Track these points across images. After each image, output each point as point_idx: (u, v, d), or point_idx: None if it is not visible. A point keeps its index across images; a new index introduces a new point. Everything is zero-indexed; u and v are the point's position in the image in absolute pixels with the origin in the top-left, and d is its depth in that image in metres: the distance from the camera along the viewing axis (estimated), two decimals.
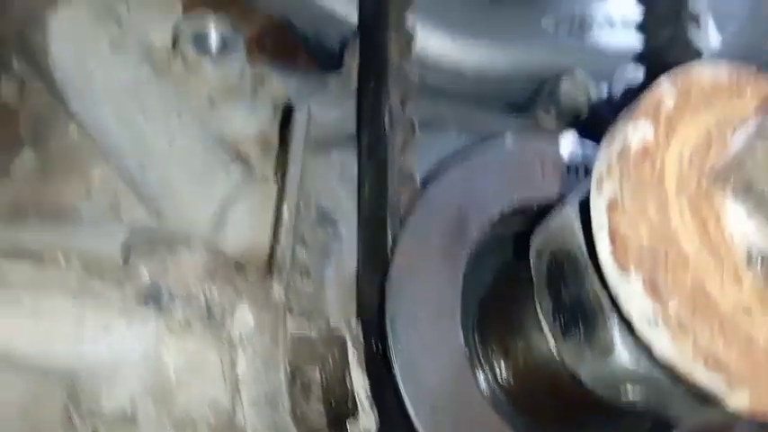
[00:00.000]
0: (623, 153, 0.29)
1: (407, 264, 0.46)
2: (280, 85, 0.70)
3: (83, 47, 0.59)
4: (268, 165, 0.62)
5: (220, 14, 0.68)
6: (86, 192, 0.60)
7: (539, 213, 0.49)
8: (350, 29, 0.76)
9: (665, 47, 0.70)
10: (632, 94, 0.73)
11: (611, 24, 0.80)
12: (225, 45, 0.63)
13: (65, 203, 0.59)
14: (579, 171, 0.51)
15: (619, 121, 0.31)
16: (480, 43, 0.76)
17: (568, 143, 0.52)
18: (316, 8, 0.77)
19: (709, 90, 0.31)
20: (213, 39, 0.63)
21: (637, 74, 0.77)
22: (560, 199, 0.47)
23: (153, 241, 0.49)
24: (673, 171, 0.29)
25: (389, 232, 0.49)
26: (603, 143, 0.31)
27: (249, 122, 0.62)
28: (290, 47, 0.80)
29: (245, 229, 0.57)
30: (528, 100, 0.76)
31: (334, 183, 0.63)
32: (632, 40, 0.80)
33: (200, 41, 0.62)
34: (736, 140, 0.28)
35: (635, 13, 0.80)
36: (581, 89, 0.73)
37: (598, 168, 0.30)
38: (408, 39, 0.55)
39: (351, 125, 0.68)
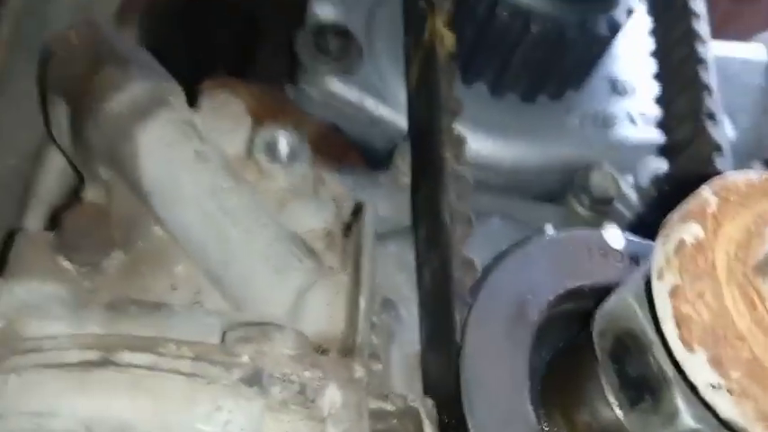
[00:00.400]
0: (679, 248, 0.35)
1: (478, 346, 0.51)
2: (337, 183, 0.77)
3: (170, 158, 0.67)
4: (334, 256, 0.69)
5: (286, 125, 0.76)
6: (171, 287, 0.67)
7: (589, 295, 0.56)
8: (396, 132, 0.84)
9: (686, 142, 0.78)
10: (659, 185, 0.81)
11: (632, 121, 0.88)
12: (293, 153, 0.71)
13: (153, 298, 0.65)
14: (624, 258, 0.57)
15: (669, 221, 0.38)
16: (514, 141, 0.84)
17: (612, 234, 0.58)
18: (365, 114, 0.85)
19: (744, 193, 0.37)
20: (283, 147, 0.71)
21: (659, 165, 0.84)
22: (614, 285, 0.53)
23: (247, 328, 0.55)
24: (721, 263, 0.35)
25: (456, 317, 0.55)
26: (659, 241, 0.38)
27: (315, 219, 0.69)
28: (341, 149, 0.88)
29: (320, 316, 0.62)
30: (560, 191, 0.84)
31: (393, 271, 0.70)
32: (653, 135, 0.88)
33: (272, 150, 0.70)
34: None
35: (654, 110, 0.89)
36: (610, 180, 0.80)
37: (657, 262, 0.37)
38: (461, 143, 0.63)
39: (402, 218, 0.75)
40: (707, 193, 0.37)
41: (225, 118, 0.73)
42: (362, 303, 0.57)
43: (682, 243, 0.36)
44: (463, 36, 0.73)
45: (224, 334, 0.53)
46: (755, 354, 0.32)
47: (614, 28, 0.77)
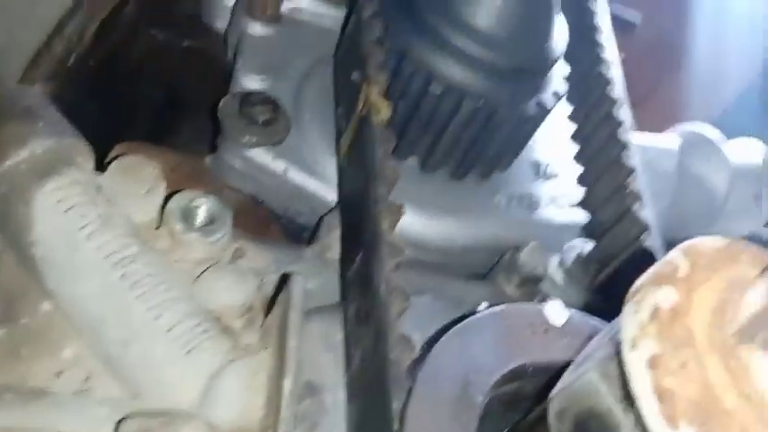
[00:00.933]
0: (655, 314, 0.32)
1: (420, 430, 0.46)
2: (259, 256, 0.71)
3: (69, 222, 0.60)
4: (253, 334, 0.62)
5: (207, 191, 0.71)
6: (57, 372, 0.58)
7: (535, 374, 0.52)
8: (322, 205, 0.80)
9: (611, 222, 0.78)
10: (584, 265, 0.80)
11: (557, 203, 0.89)
12: (211, 221, 0.65)
13: (35, 384, 0.56)
14: (566, 334, 0.54)
15: (639, 287, 0.35)
16: (443, 218, 0.82)
17: (553, 309, 0.56)
18: (290, 186, 0.81)
19: (713, 258, 0.35)
20: (201, 214, 0.65)
21: (585, 246, 0.84)
22: (560, 363, 0.50)
23: (147, 419, 0.47)
24: (699, 331, 0.32)
25: (393, 403, 0.49)
26: (628, 308, 0.35)
27: (233, 293, 0.63)
28: (261, 222, 0.83)
29: (236, 402, 0.55)
30: (490, 270, 0.81)
31: (317, 352, 0.64)
32: (577, 216, 0.89)
33: (188, 217, 0.64)
34: (749, 302, 0.32)
35: (578, 192, 0.90)
36: (538, 260, 0.79)
37: (629, 331, 0.33)
38: (398, 212, 0.59)
39: (329, 295, 0.70)
40: (677, 257, 0.35)
41: (136, 182, 0.67)
42: (287, 386, 0.51)
43: (657, 309, 0.33)
44: (396, 110, 0.71)
45: (117, 426, 0.45)
46: (745, 429, 0.29)
47: (543, 109, 0.78)
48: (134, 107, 1.05)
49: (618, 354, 0.35)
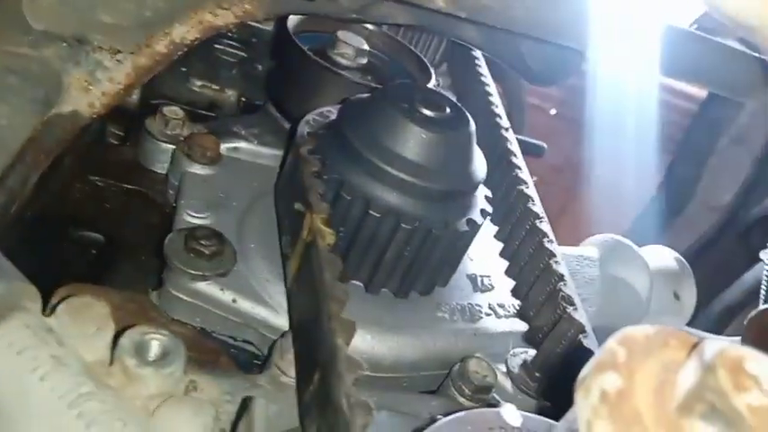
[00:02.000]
0: (604, 397, 0.36)
1: None
2: (213, 388, 0.71)
3: (21, 366, 0.59)
4: None
5: (158, 326, 0.71)
6: None
7: None
8: (272, 331, 0.82)
9: (548, 327, 0.83)
10: (529, 371, 0.84)
11: (495, 313, 0.93)
12: (165, 354, 0.65)
13: None
14: None
15: (584, 376, 0.39)
16: (391, 336, 0.84)
17: (509, 412, 0.58)
18: (239, 316, 0.82)
19: (645, 344, 0.39)
20: (154, 349, 0.65)
21: (527, 351, 0.88)
22: None
23: None
24: (644, 409, 0.36)
25: None
26: (578, 395, 0.38)
27: (191, 426, 0.62)
28: (211, 353, 0.83)
29: None
30: (441, 383, 0.84)
31: None
32: (516, 325, 0.93)
33: (141, 353, 0.64)
34: (683, 379, 0.36)
35: (513, 301, 0.95)
36: (486, 369, 0.82)
37: (584, 415, 0.37)
38: (351, 328, 0.62)
39: (286, 420, 0.70)
40: (614, 346, 0.39)
41: (86, 321, 0.67)
42: None
43: (604, 392, 0.36)
44: (337, 236, 0.75)
45: None
46: None
47: (474, 226, 0.84)
48: (72, 250, 1.05)
49: None
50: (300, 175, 0.80)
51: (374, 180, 0.79)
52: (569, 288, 0.83)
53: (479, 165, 0.86)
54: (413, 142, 0.79)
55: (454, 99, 0.88)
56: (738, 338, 0.93)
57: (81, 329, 0.65)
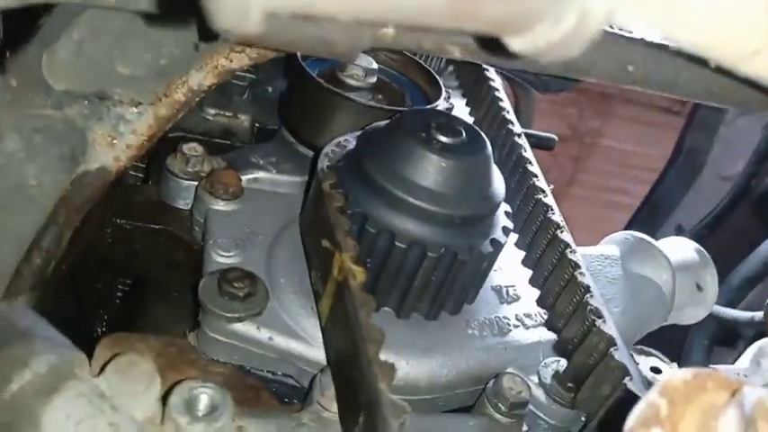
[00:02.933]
0: None
1: None
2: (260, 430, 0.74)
3: None
4: None
5: (206, 379, 0.74)
6: None
7: None
8: (310, 365, 0.84)
9: (578, 339, 0.85)
10: (562, 382, 0.86)
11: (524, 325, 0.95)
12: (214, 407, 0.68)
13: None
14: None
15: (630, 429, 0.41)
16: (425, 359, 0.86)
17: None
18: (275, 352, 0.85)
19: (684, 392, 0.41)
20: (203, 403, 0.68)
21: (558, 362, 0.90)
22: None
23: None
24: None
25: None
26: None
27: None
28: (252, 391, 0.85)
29: None
30: (477, 402, 0.86)
31: None
32: (545, 335, 0.95)
33: (191, 408, 0.67)
34: (724, 428, 0.38)
35: (539, 311, 0.97)
36: (520, 384, 0.84)
37: None
38: (392, 371, 0.64)
39: None
40: (656, 398, 0.40)
41: (133, 380, 0.69)
42: None
43: None
44: (366, 270, 0.77)
45: None
46: None
47: (497, 246, 0.85)
48: (102, 297, 1.08)
49: None
50: (325, 211, 0.82)
51: (397, 212, 0.81)
52: (596, 300, 0.84)
53: (498, 185, 0.88)
54: (432, 171, 0.81)
55: (468, 122, 0.89)
56: None
57: (130, 388, 0.68)
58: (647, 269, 1.09)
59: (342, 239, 0.77)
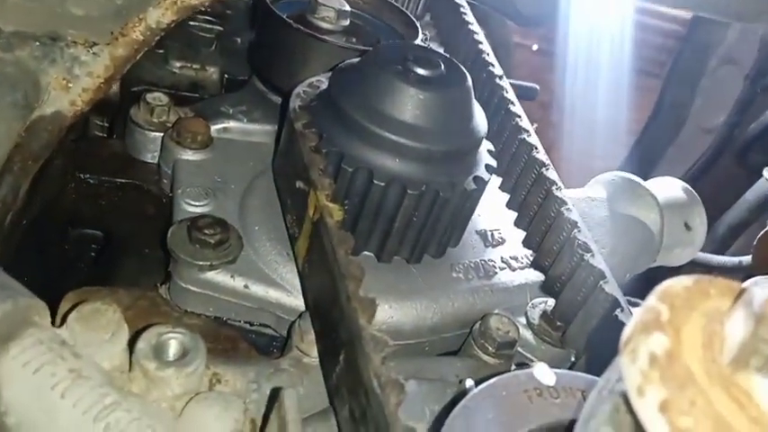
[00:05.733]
0: (653, 361, 0.34)
1: None
2: (237, 379, 0.70)
3: (40, 384, 0.57)
4: None
5: (172, 321, 0.70)
6: None
7: None
8: (288, 312, 0.81)
9: (567, 275, 0.82)
10: (550, 321, 0.83)
11: (510, 266, 0.92)
12: (184, 352, 0.64)
13: None
14: (559, 393, 0.56)
15: (628, 337, 0.37)
16: (408, 302, 0.83)
17: (541, 371, 0.57)
18: (252, 300, 0.81)
19: (685, 297, 0.38)
20: (173, 348, 0.64)
21: (546, 301, 0.87)
22: (564, 422, 0.51)
23: None
24: (697, 368, 0.34)
25: None
26: (625, 359, 0.37)
27: (220, 422, 0.61)
28: (229, 341, 0.82)
29: None
30: (462, 343, 0.83)
31: None
32: (531, 276, 0.92)
33: (160, 354, 0.63)
34: (733, 331, 0.35)
35: (525, 252, 0.94)
36: (508, 324, 0.81)
37: (633, 380, 0.35)
38: (372, 306, 0.61)
39: (315, 402, 0.69)
40: (655, 303, 0.37)
41: (98, 329, 0.65)
42: None
43: (653, 355, 0.35)
44: (344, 210, 0.73)
45: None
46: None
47: (481, 183, 0.82)
48: (72, 253, 1.03)
49: (626, 404, 0.37)
50: (299, 152, 0.78)
51: (375, 148, 0.77)
52: (584, 235, 0.81)
53: (480, 120, 0.84)
54: (410, 105, 0.77)
55: (446, 54, 0.85)
56: None
57: (95, 337, 0.64)
58: (633, 209, 1.06)
59: (316, 178, 0.73)
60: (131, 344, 0.64)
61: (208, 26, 1.28)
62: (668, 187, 1.12)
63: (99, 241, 1.06)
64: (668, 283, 0.39)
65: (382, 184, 0.76)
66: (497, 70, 1.11)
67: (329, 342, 0.67)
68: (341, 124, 0.78)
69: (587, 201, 1.06)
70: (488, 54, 1.16)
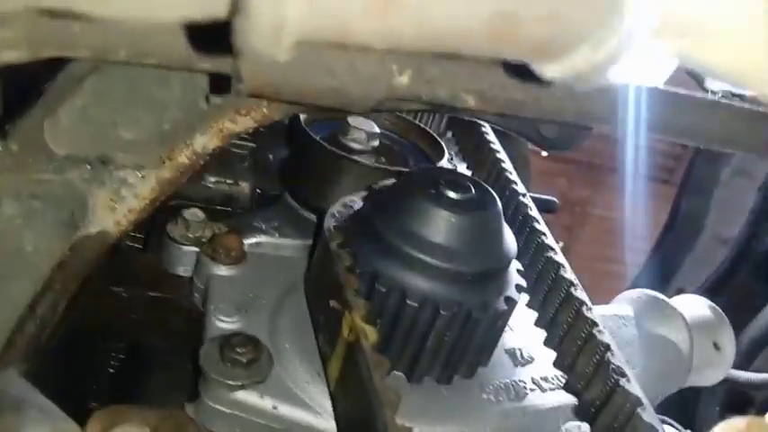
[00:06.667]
0: None
1: None
2: None
3: None
4: None
5: None
6: None
7: None
8: None
9: (602, 400, 0.81)
10: None
11: (540, 388, 0.91)
12: None
13: None
14: None
15: None
16: (439, 426, 0.81)
17: None
18: (280, 421, 0.80)
19: None
20: None
21: (582, 427, 0.85)
22: None
23: None
24: None
25: None
26: None
27: None
28: None
29: None
30: None
31: None
32: (564, 398, 0.91)
33: None
34: None
35: (556, 373, 0.93)
36: None
37: None
38: None
39: None
40: None
41: None
42: None
43: None
44: (378, 331, 0.74)
45: None
46: None
47: (511, 303, 0.82)
48: (98, 367, 1.03)
49: None
50: (333, 271, 0.79)
51: (408, 269, 0.78)
52: (618, 359, 0.80)
53: (510, 240, 0.85)
54: (443, 227, 0.79)
55: (476, 178, 0.88)
56: None
57: None
58: (663, 328, 1.06)
59: (352, 299, 0.74)
60: None
61: (241, 143, 1.34)
62: (695, 306, 1.12)
63: (124, 354, 1.06)
64: (723, 425, 0.39)
65: (415, 304, 0.77)
66: (520, 188, 1.14)
67: None
68: (375, 245, 0.80)
69: (615, 319, 1.06)
70: (511, 172, 1.20)
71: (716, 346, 1.08)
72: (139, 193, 0.82)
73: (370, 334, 0.71)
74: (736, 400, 2.05)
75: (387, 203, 0.83)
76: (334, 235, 0.84)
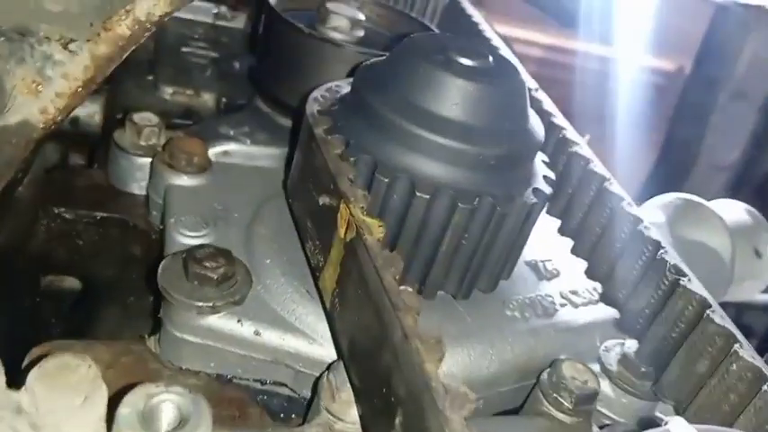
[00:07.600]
0: None
1: None
2: None
3: None
4: None
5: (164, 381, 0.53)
6: None
7: None
8: (310, 364, 0.64)
9: (654, 307, 0.66)
10: (634, 367, 0.67)
11: (571, 302, 0.77)
12: (184, 419, 0.47)
13: None
14: None
15: None
16: (459, 348, 0.67)
17: (679, 426, 0.42)
18: (264, 351, 0.65)
19: None
20: (167, 415, 0.48)
21: (626, 344, 0.71)
22: None
23: None
24: None
25: None
26: None
27: None
28: (236, 405, 0.65)
29: None
30: (527, 399, 0.67)
31: None
32: (599, 312, 0.77)
33: (150, 422, 0.47)
34: None
35: (586, 285, 0.79)
36: (584, 371, 0.65)
37: None
38: (439, 344, 0.45)
39: None
40: None
41: (67, 390, 0.49)
42: None
43: None
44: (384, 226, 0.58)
45: None
46: None
47: (542, 196, 0.67)
48: (44, 301, 0.87)
49: None
50: (321, 162, 0.63)
51: (415, 153, 0.62)
52: (673, 255, 0.66)
53: (536, 122, 0.70)
54: (457, 99, 0.62)
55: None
56: None
57: (63, 402, 0.47)
58: (701, 233, 0.92)
59: (347, 189, 0.58)
60: (111, 410, 0.48)
61: (202, 52, 1.16)
62: (731, 209, 0.98)
63: (75, 290, 0.89)
64: None
65: (426, 196, 0.61)
66: (531, 82, 0.98)
67: (377, 400, 0.50)
68: (372, 126, 0.64)
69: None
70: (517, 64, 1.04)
71: (757, 253, 0.95)
72: (69, 72, 0.65)
73: (374, 228, 0.55)
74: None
75: (384, 77, 0.66)
76: (319, 120, 0.67)
